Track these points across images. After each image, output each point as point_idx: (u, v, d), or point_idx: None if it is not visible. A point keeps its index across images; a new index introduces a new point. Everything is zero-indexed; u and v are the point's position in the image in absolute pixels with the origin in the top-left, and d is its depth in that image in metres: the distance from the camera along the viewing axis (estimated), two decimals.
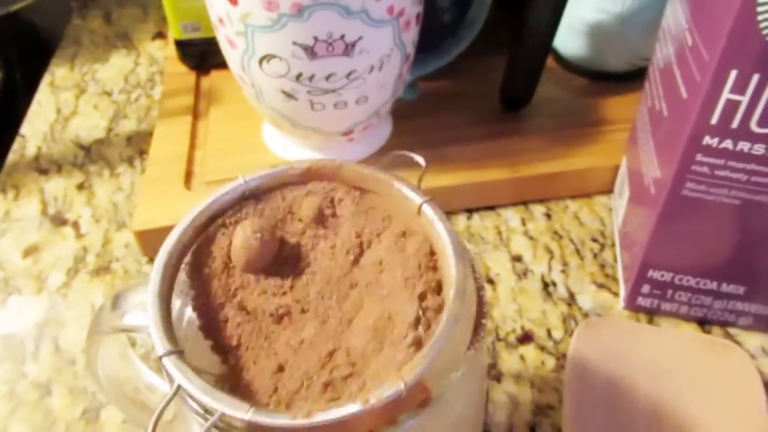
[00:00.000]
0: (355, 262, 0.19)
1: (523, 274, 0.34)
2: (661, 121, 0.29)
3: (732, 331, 0.31)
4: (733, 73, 0.23)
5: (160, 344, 0.16)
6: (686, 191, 0.27)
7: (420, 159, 0.20)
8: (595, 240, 0.36)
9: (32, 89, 0.49)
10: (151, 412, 0.25)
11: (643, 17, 0.39)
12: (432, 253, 0.19)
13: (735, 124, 0.24)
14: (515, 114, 0.41)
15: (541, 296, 0.33)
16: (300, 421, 0.15)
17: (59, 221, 0.38)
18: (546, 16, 0.36)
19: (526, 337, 0.31)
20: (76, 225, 0.37)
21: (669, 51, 0.28)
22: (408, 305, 0.17)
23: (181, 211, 0.35)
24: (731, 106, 0.23)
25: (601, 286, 0.33)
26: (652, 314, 0.32)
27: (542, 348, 0.30)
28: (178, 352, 0.16)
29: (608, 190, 0.38)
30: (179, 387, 0.16)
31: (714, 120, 0.24)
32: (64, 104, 0.47)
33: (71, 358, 0.31)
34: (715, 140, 0.25)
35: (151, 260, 0.35)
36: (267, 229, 0.19)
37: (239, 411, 0.15)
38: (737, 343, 0.30)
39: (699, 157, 0.25)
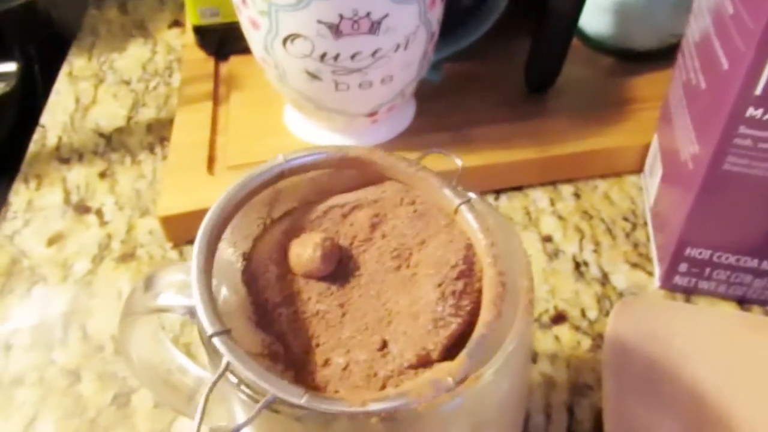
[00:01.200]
0: (398, 268, 0.19)
1: (554, 255, 0.33)
2: (698, 95, 0.28)
3: None
4: None
5: (208, 324, 0.16)
6: (728, 165, 0.26)
7: (458, 160, 0.20)
8: (626, 219, 0.35)
9: (50, 80, 0.48)
10: (183, 394, 0.25)
11: None
12: (469, 251, 0.18)
13: None
14: (541, 95, 0.40)
15: (573, 276, 0.32)
16: (356, 409, 0.14)
17: (83, 209, 0.37)
18: None
19: (559, 318, 0.30)
20: (99, 213, 0.37)
21: (706, 22, 0.28)
22: (441, 306, 0.17)
23: (205, 196, 0.35)
24: None
25: (634, 265, 0.33)
26: (688, 294, 0.31)
27: (577, 328, 0.30)
28: (227, 332, 0.16)
29: (638, 170, 0.37)
30: (228, 365, 0.15)
31: (758, 90, 0.23)
32: (83, 94, 0.46)
33: (100, 344, 0.30)
34: (760, 111, 0.24)
35: (176, 246, 0.35)
36: (331, 248, 0.18)
37: (294, 396, 0.15)
38: None
39: (742, 129, 0.25)
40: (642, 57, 0.41)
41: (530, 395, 0.27)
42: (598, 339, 0.29)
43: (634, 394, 0.26)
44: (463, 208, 0.19)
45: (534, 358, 0.29)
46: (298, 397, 0.15)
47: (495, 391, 0.17)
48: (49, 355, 0.30)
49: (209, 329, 0.16)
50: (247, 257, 0.20)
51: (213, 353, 0.17)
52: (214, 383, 0.15)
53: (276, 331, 0.18)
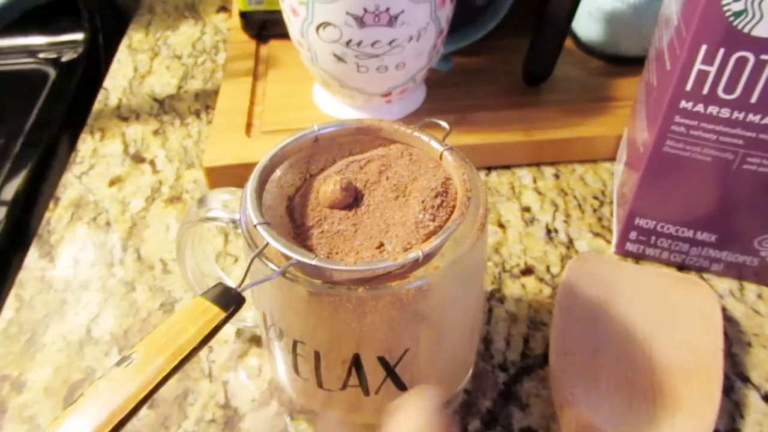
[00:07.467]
0: (396, 198, 0.25)
1: (530, 222, 0.39)
2: (651, 91, 0.34)
3: (706, 275, 0.36)
4: (704, 48, 0.28)
5: (255, 217, 0.22)
6: (667, 148, 0.32)
7: (445, 124, 0.26)
8: (596, 198, 0.41)
9: (112, 50, 0.56)
10: None
11: (654, 7, 0.44)
12: (447, 181, 0.25)
13: (705, 90, 0.29)
14: (535, 88, 0.46)
15: (543, 240, 0.38)
16: (348, 267, 0.21)
17: (138, 159, 0.44)
18: (565, 3, 0.41)
19: (527, 270, 0.37)
20: (152, 162, 0.44)
21: (663, 33, 0.34)
22: (422, 214, 0.23)
23: (242, 153, 0.42)
24: (702, 75, 0.29)
25: (596, 234, 0.39)
26: (638, 258, 0.37)
27: (541, 279, 0.36)
28: (267, 223, 0.22)
29: (612, 157, 0.43)
30: (267, 244, 0.22)
31: (689, 87, 0.29)
32: (140, 64, 0.54)
33: (151, 264, 0.37)
34: (690, 104, 0.30)
35: None
36: (348, 184, 0.25)
37: (307, 258, 0.21)
38: (710, 285, 0.35)
39: (677, 118, 0.31)
40: (627, 62, 0.47)
41: (495, 326, 0.34)
42: (557, 288, 0.35)
43: (577, 327, 0.32)
44: (446, 153, 0.25)
45: (502, 299, 0.35)
46: (310, 258, 0.21)
47: (451, 286, 0.23)
48: (110, 270, 0.37)
49: (255, 220, 0.22)
50: (291, 198, 0.26)
51: (253, 243, 0.23)
52: (256, 255, 0.22)
53: (308, 244, 0.24)
